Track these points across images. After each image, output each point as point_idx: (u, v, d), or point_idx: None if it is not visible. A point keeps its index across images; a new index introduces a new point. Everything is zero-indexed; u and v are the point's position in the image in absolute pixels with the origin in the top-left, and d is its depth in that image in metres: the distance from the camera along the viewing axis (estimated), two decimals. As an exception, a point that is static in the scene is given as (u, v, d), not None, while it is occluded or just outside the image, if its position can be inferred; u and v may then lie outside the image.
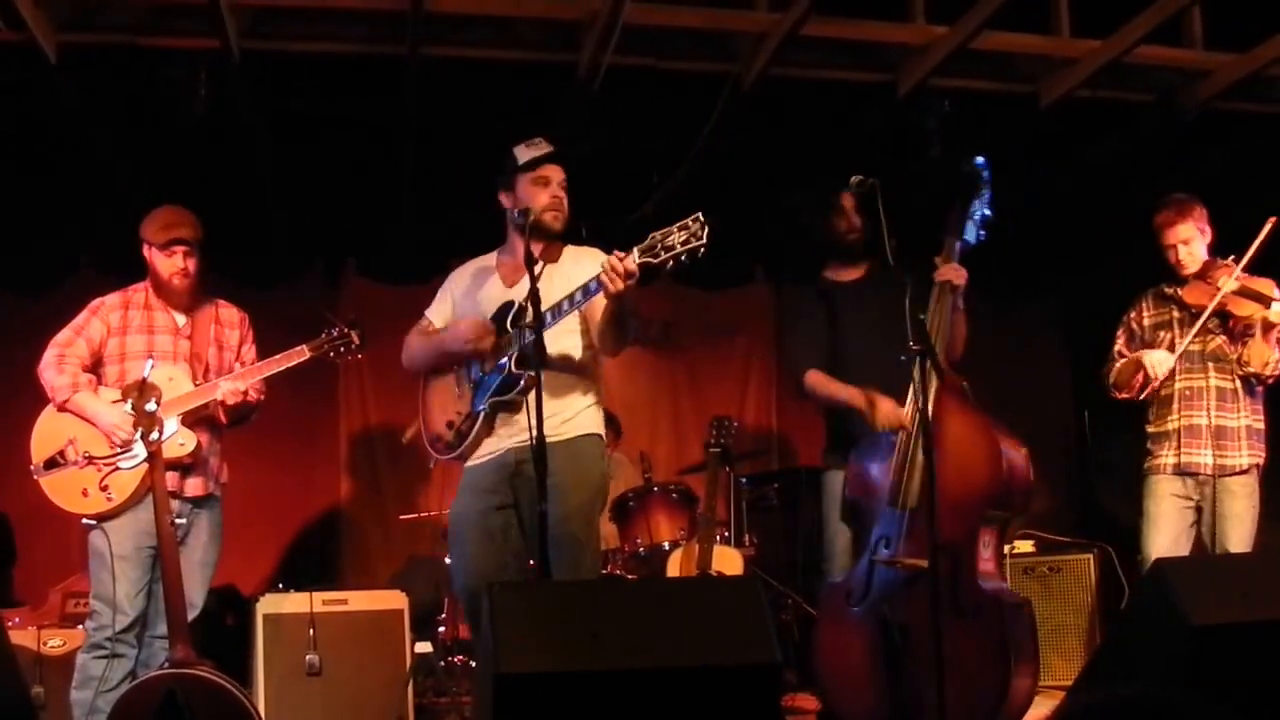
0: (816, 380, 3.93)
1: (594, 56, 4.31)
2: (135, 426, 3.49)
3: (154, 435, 3.42)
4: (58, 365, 3.72)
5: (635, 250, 3.12)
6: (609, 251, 3.48)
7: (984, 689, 3.33)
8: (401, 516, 5.66)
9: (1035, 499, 3.78)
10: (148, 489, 3.59)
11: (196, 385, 3.73)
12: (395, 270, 5.97)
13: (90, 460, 3.64)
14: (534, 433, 3.00)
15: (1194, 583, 2.80)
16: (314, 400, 6.12)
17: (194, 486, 3.75)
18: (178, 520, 3.60)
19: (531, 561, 3.47)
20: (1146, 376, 4.17)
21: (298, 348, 3.81)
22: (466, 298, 3.59)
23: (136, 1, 4.05)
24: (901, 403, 3.64)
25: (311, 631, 4.40)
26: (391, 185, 5.52)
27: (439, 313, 3.66)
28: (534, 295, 3.10)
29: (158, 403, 3.46)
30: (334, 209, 5.76)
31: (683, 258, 3.07)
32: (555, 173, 3.47)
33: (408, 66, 4.38)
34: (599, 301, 3.35)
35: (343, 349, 3.87)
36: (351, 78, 4.57)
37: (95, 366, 3.78)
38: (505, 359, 3.37)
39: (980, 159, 3.76)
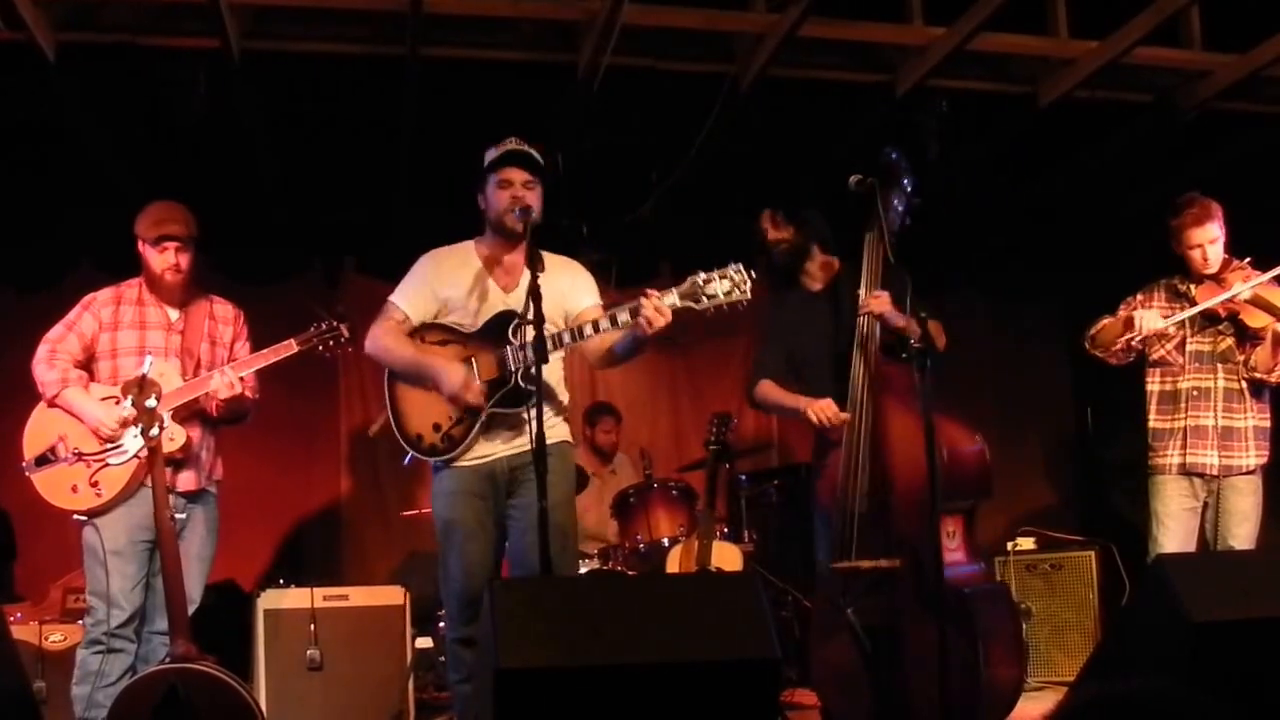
0: (765, 390, 3.97)
1: (593, 57, 4.33)
2: (137, 423, 3.48)
3: (154, 431, 3.42)
4: (49, 361, 3.72)
5: (674, 292, 3.14)
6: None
7: (960, 679, 3.32)
8: (402, 513, 5.68)
9: (993, 480, 3.74)
10: (138, 484, 3.61)
11: (187, 380, 3.71)
12: (394, 268, 5.92)
13: (80, 456, 3.64)
14: (534, 433, 3.03)
15: (1195, 579, 2.79)
16: (315, 398, 6.15)
17: (186, 481, 3.73)
18: (177, 516, 3.60)
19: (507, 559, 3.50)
20: (1132, 336, 4.10)
21: (285, 342, 3.78)
22: (459, 299, 3.48)
23: (136, 1, 4.07)
24: (843, 407, 3.66)
25: (312, 627, 4.42)
26: (390, 184, 5.55)
27: (415, 306, 3.50)
28: (537, 311, 3.11)
29: (158, 399, 3.46)
30: (333, 207, 5.78)
31: (724, 307, 3.10)
32: (517, 174, 3.41)
33: (407, 66, 4.40)
34: (589, 319, 3.37)
35: (331, 342, 3.82)
36: (351, 77, 4.59)
37: (89, 362, 3.77)
38: (511, 370, 3.35)
39: (893, 150, 3.71)
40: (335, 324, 3.83)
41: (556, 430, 3.46)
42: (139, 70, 4.35)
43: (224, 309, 3.95)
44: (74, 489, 3.63)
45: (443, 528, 3.47)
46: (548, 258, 3.46)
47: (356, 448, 6.25)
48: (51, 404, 3.71)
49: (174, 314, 3.84)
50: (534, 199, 3.42)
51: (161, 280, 3.77)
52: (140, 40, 4.15)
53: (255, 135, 4.95)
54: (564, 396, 3.56)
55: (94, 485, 3.63)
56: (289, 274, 5.99)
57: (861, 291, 3.70)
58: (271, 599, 4.48)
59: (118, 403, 3.67)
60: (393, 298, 3.54)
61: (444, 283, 3.51)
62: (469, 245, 3.58)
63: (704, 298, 3.11)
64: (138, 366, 3.68)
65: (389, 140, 5.10)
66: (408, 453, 3.53)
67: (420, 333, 3.51)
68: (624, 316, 3.22)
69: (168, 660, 3.35)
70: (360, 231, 6.03)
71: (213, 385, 3.68)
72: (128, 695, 3.25)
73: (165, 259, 3.75)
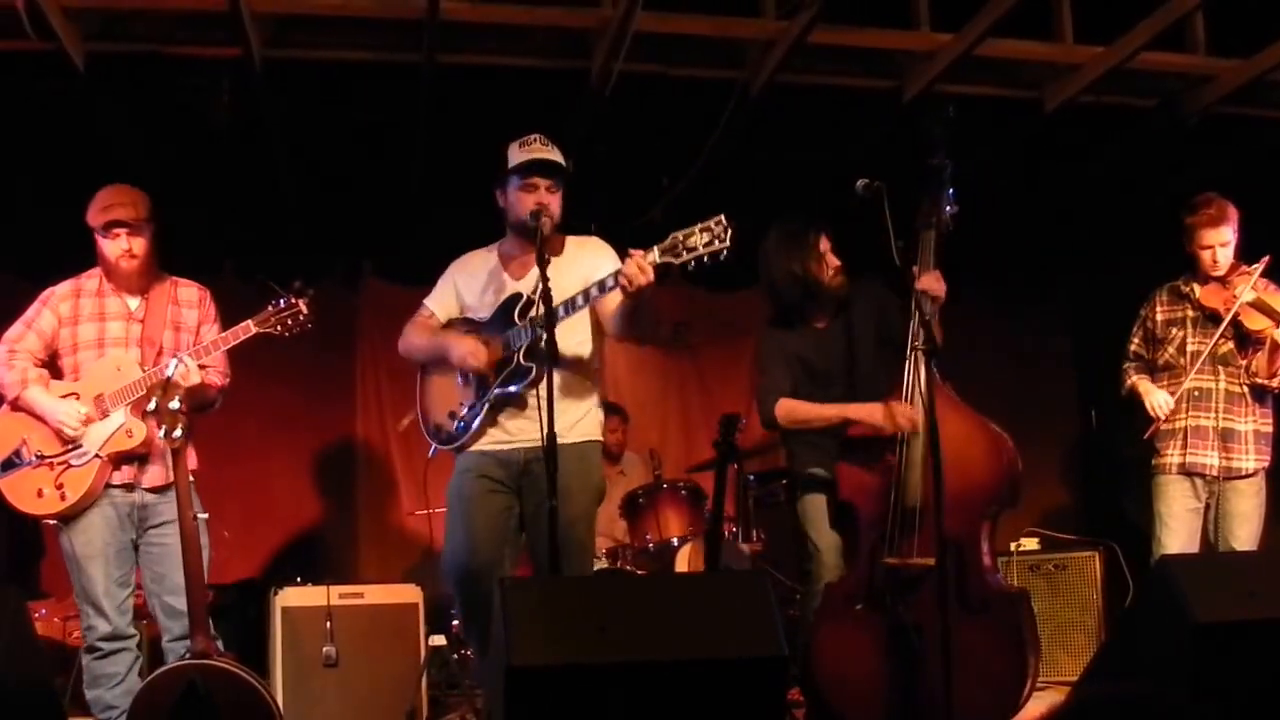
0: (791, 406, 3.82)
1: (606, 63, 4.37)
2: (160, 424, 3.39)
3: (177, 433, 3.36)
4: (7, 362, 3.63)
5: (655, 249, 3.16)
6: (620, 253, 3.55)
7: (1003, 682, 3.39)
8: (416, 512, 5.75)
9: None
10: (104, 484, 3.56)
11: (147, 371, 3.57)
12: (412, 271, 6.02)
13: (43, 460, 3.55)
14: (544, 430, 3.05)
15: (1199, 580, 2.84)
16: (332, 399, 6.23)
17: (153, 477, 3.62)
18: (200, 516, 3.52)
19: (523, 556, 3.54)
20: (1158, 425, 4.23)
21: (243, 324, 3.60)
22: (476, 294, 3.59)
23: (162, 12, 4.13)
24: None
25: (328, 624, 4.46)
26: (408, 189, 5.60)
27: (441, 304, 3.66)
28: (546, 297, 3.16)
29: (181, 400, 3.40)
30: (352, 212, 5.83)
31: (704, 259, 3.11)
32: (542, 180, 3.46)
33: (423, 73, 4.46)
34: (613, 295, 3.39)
35: (290, 321, 3.60)
36: (369, 85, 4.65)
37: (53, 359, 3.67)
38: (514, 351, 3.39)
39: (944, 158, 3.71)
40: (294, 301, 3.61)
41: (580, 427, 3.49)
42: (164, 79, 4.41)
43: (188, 292, 3.79)
44: (39, 493, 3.55)
45: (449, 504, 3.53)
46: (570, 240, 3.58)
47: (373, 448, 6.32)
48: (14, 406, 3.62)
49: (134, 302, 3.68)
50: (556, 202, 3.49)
51: (117, 269, 3.62)
52: (166, 50, 4.21)
53: (276, 141, 5.02)
54: (590, 387, 3.55)
55: (59, 488, 3.54)
56: (308, 278, 6.02)
57: (916, 270, 3.63)
58: (288, 597, 4.51)
59: (78, 398, 3.57)
60: (425, 300, 3.70)
61: (465, 279, 3.64)
62: (492, 246, 3.68)
63: (684, 251, 3.13)
64: (98, 359, 3.62)
65: (406, 145, 5.17)
66: (431, 447, 3.61)
67: (446, 329, 3.64)
68: (610, 281, 3.26)
69: (188, 656, 3.35)
70: (378, 235, 6.09)
71: (170, 373, 3.48)
72: (148, 691, 3.27)
73: (117, 246, 3.59)
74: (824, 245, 3.86)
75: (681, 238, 3.14)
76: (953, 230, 3.74)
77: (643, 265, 3.15)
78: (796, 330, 3.91)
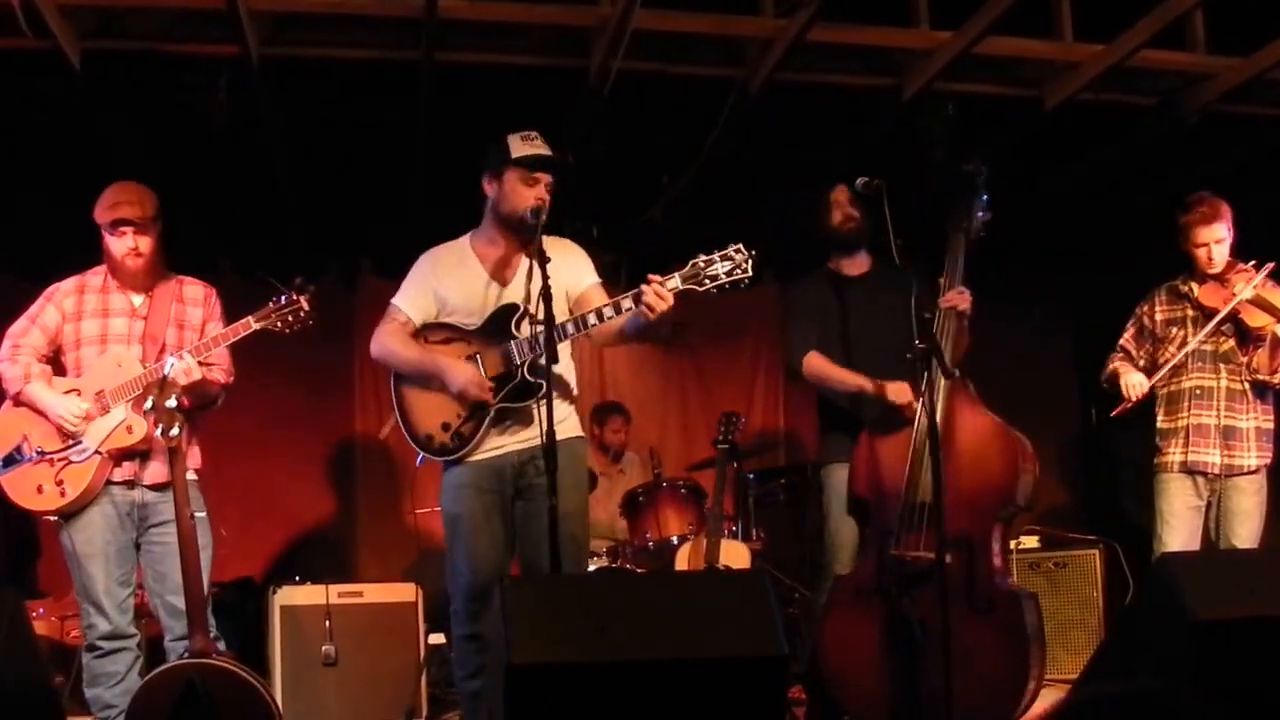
0: (818, 364, 3.93)
1: (604, 61, 4.36)
2: (157, 422, 3.41)
3: (174, 431, 3.36)
4: (11, 357, 3.64)
5: (677, 276, 3.19)
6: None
7: (1004, 682, 3.42)
8: (415, 511, 5.75)
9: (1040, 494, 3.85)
10: (104, 481, 3.56)
11: (148, 368, 3.56)
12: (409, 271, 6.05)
13: (43, 456, 3.56)
14: (544, 430, 3.05)
15: (1199, 578, 2.85)
16: (331, 398, 6.23)
17: (154, 474, 3.62)
18: (197, 515, 3.54)
19: (517, 557, 3.52)
20: (1128, 405, 4.25)
21: (243, 320, 3.58)
22: (459, 298, 3.52)
23: (158, 10, 4.12)
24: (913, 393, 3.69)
25: (327, 623, 4.48)
26: (406, 187, 5.60)
27: (417, 306, 3.54)
28: (546, 296, 3.15)
29: (178, 399, 3.42)
30: (350, 211, 5.83)
31: (726, 287, 3.17)
32: (544, 176, 3.45)
33: (422, 71, 4.46)
34: (591, 297, 3.41)
35: (291, 317, 3.56)
36: (367, 83, 4.64)
37: (57, 355, 3.68)
38: (517, 366, 3.37)
39: (976, 161, 3.82)
40: (295, 297, 3.58)
41: (566, 425, 3.47)
42: (161, 77, 4.39)
43: (194, 289, 3.79)
44: (39, 489, 3.55)
45: (449, 522, 3.50)
46: (544, 240, 3.48)
47: (371, 447, 6.31)
48: (17, 401, 3.63)
49: (138, 299, 3.70)
50: (548, 201, 3.47)
51: (123, 266, 3.63)
52: (162, 48, 4.19)
53: (273, 139, 5.02)
54: (573, 388, 3.58)
55: (59, 484, 3.54)
56: (306, 277, 6.03)
57: (942, 282, 3.73)
58: (287, 595, 4.54)
59: (79, 395, 3.57)
60: (395, 300, 3.59)
61: (442, 281, 3.55)
62: (464, 242, 3.62)
63: (706, 279, 3.17)
64: (100, 355, 3.62)
65: (404, 144, 5.16)
66: (419, 454, 3.56)
67: (424, 333, 3.54)
68: (627, 304, 3.26)
69: (186, 655, 3.36)
70: (376, 234, 6.09)
71: (168, 371, 3.47)
72: (146, 690, 3.28)
73: (124, 244, 3.60)
74: (837, 195, 4.05)
75: (703, 264, 3.18)
76: (983, 236, 3.78)
77: (662, 293, 3.18)
78: (822, 279, 4.07)
